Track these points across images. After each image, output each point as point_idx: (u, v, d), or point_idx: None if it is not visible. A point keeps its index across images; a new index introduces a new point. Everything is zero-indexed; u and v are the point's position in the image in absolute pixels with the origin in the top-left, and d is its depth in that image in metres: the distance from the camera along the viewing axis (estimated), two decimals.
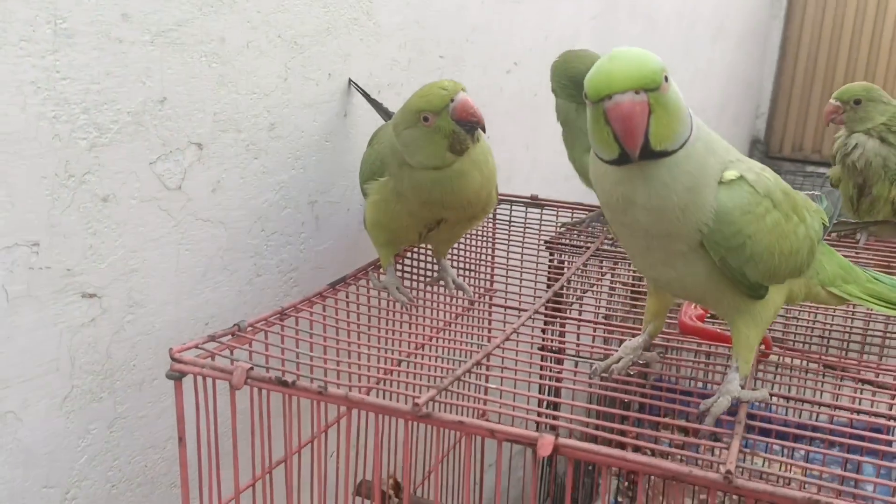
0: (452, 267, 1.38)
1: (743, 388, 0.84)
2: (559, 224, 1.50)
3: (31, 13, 0.80)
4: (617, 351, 0.95)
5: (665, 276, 0.83)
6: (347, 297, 1.12)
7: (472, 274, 1.42)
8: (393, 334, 1.06)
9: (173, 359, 0.86)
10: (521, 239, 1.47)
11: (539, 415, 0.84)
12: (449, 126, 0.99)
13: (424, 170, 1.03)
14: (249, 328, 0.96)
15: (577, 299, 1.46)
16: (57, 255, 0.87)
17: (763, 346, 1.00)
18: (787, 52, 4.90)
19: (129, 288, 0.97)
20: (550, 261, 1.54)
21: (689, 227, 0.77)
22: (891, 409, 1.01)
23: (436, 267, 1.24)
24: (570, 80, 1.29)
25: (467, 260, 1.42)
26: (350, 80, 1.28)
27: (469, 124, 1.00)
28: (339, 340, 0.99)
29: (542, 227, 1.50)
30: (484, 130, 1.02)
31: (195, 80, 1.00)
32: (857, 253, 1.39)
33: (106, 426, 0.97)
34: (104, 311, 0.94)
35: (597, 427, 0.97)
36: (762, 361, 1.06)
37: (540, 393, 1.21)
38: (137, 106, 0.93)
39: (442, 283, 1.19)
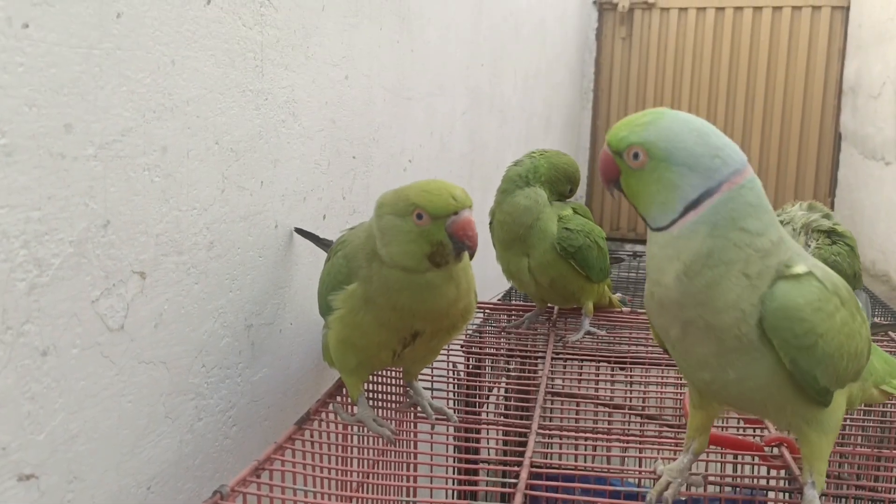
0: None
1: None
2: (503, 328, 1.44)
3: None
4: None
5: (721, 378, 0.76)
6: (320, 435, 0.97)
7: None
8: (379, 478, 0.93)
9: None
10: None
11: None
12: (439, 236, 0.88)
13: (395, 269, 0.92)
14: (231, 492, 0.80)
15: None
16: None
17: (787, 449, 0.96)
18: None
19: (69, 460, 0.77)
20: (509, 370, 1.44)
21: (721, 315, 0.71)
22: None
23: (403, 391, 1.12)
24: (560, 174, 1.42)
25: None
26: (295, 229, 1.19)
27: (461, 244, 0.89)
28: (326, 494, 0.85)
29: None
30: (472, 256, 0.92)
31: (138, 197, 0.84)
32: None
33: None
34: (42, 494, 0.74)
35: None
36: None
37: None
38: (80, 233, 0.76)
39: (418, 408, 1.06)
